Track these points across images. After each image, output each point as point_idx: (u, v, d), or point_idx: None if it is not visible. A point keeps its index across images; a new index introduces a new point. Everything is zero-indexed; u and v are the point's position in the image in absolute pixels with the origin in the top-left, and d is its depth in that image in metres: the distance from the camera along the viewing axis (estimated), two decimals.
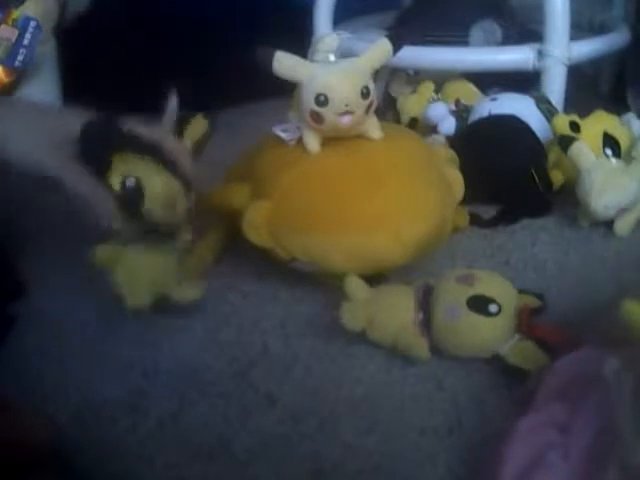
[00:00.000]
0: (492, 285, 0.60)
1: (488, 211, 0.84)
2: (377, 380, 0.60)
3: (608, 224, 0.79)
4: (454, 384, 0.58)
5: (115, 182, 0.60)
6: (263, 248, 0.69)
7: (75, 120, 0.60)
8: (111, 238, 0.63)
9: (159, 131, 0.64)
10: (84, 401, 0.59)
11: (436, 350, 0.60)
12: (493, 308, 0.58)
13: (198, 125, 0.67)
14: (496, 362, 0.59)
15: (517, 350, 0.58)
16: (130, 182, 0.59)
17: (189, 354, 0.64)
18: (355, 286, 0.62)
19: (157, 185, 0.61)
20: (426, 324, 0.60)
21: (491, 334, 0.58)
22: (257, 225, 0.68)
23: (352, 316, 0.60)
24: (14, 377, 0.62)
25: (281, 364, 0.62)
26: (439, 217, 0.68)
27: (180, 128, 0.66)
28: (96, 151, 0.58)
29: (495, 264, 0.75)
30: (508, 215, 0.84)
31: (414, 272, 0.71)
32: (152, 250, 0.64)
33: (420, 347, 0.59)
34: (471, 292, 0.59)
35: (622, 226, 0.78)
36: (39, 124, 0.60)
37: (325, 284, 0.71)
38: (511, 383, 0.57)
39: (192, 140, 0.67)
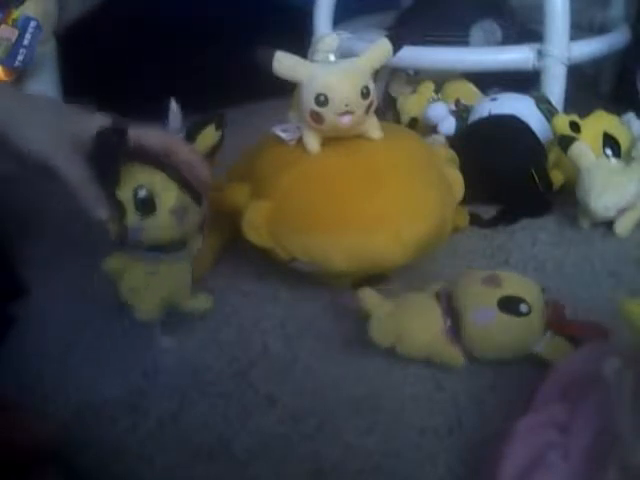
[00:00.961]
0: (518, 285, 0.60)
1: (488, 211, 0.84)
2: (377, 380, 0.60)
3: (608, 224, 0.79)
4: (454, 384, 0.58)
5: (127, 191, 0.60)
6: (263, 248, 0.69)
7: (87, 120, 0.61)
8: (121, 248, 0.63)
9: (173, 138, 0.64)
10: (84, 401, 0.59)
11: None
12: (524, 308, 0.58)
13: (210, 135, 0.67)
14: (495, 362, 0.59)
15: (551, 347, 0.58)
16: (142, 193, 0.59)
17: (189, 354, 0.64)
18: (374, 300, 0.61)
19: (168, 197, 0.60)
20: (455, 330, 0.59)
21: (526, 334, 0.58)
22: (257, 225, 0.68)
23: (381, 332, 0.59)
24: (14, 377, 0.62)
25: (281, 364, 0.62)
26: (439, 217, 0.68)
27: (192, 136, 0.66)
28: (107, 162, 0.58)
29: (495, 264, 0.75)
30: (508, 215, 0.84)
31: (414, 272, 0.71)
32: (163, 261, 0.63)
33: (454, 355, 0.59)
34: (500, 293, 0.58)
35: (622, 226, 0.78)
36: (48, 114, 0.61)
37: (325, 284, 0.71)
38: (511, 383, 0.57)
39: (203, 149, 0.66)
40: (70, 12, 1.08)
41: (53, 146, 0.59)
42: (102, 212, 0.59)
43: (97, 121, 0.61)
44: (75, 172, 0.58)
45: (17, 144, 0.59)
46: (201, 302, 0.67)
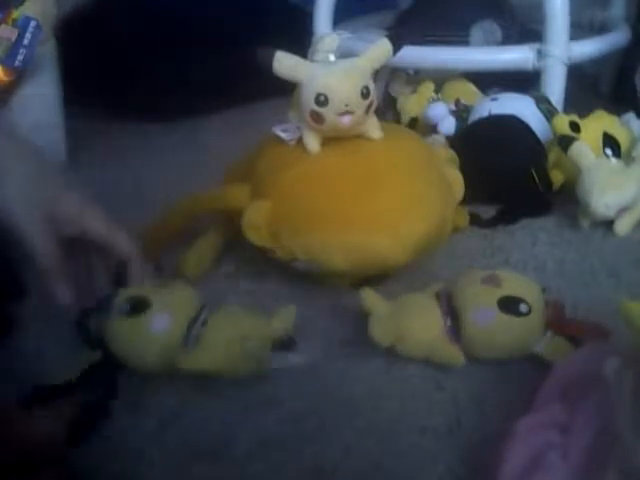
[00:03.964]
0: (518, 285, 0.60)
1: (488, 211, 0.84)
2: (377, 380, 0.59)
3: (608, 224, 0.79)
4: (454, 384, 0.58)
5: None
6: (263, 248, 0.69)
7: (63, 195, 0.61)
8: None
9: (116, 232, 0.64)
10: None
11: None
12: (524, 308, 0.57)
13: None
14: (495, 362, 0.59)
15: (551, 347, 0.58)
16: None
17: None
18: (374, 300, 0.61)
19: None
20: (455, 330, 0.59)
21: (526, 334, 0.58)
22: (257, 225, 0.68)
23: (381, 332, 0.59)
24: (14, 377, 0.62)
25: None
26: (439, 217, 0.68)
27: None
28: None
29: (495, 264, 0.75)
30: (508, 215, 0.84)
31: (414, 272, 0.71)
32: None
33: (454, 355, 0.59)
34: (500, 293, 0.58)
35: (622, 226, 0.78)
36: (22, 178, 0.61)
37: (325, 284, 0.71)
38: (511, 383, 0.57)
39: None
40: (63, 7, 1.08)
41: (23, 209, 0.58)
42: (64, 296, 0.59)
43: (73, 200, 0.61)
44: (43, 244, 0.58)
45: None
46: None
